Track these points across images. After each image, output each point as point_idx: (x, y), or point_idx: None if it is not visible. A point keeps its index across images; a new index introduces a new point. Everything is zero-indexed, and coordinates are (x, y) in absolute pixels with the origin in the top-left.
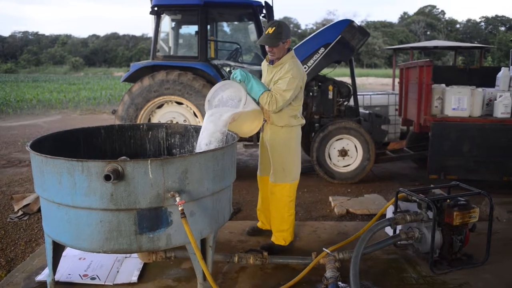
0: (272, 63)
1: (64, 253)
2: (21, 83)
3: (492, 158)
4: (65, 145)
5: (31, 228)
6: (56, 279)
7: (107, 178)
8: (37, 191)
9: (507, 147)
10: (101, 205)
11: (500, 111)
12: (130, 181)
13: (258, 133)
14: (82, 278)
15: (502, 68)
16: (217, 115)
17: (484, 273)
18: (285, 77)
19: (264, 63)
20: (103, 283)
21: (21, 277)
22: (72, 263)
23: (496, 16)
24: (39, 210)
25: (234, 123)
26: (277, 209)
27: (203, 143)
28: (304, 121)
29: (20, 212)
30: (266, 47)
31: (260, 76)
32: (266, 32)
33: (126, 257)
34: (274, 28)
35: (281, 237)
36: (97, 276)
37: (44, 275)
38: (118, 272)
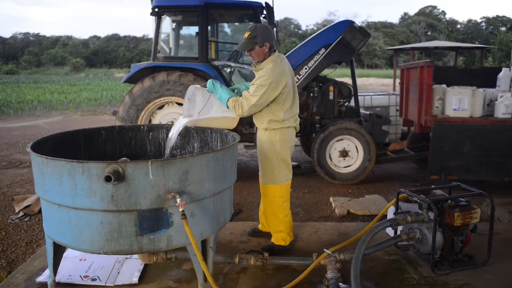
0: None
1: (64, 254)
2: (22, 84)
3: (493, 158)
4: (66, 146)
5: (32, 229)
6: (56, 280)
7: (107, 179)
8: (37, 192)
9: (508, 148)
10: (101, 206)
11: (501, 112)
12: (130, 182)
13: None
14: (82, 279)
15: (503, 68)
16: (177, 122)
17: (485, 274)
18: (255, 83)
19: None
20: (104, 284)
21: (22, 278)
22: (73, 264)
23: (497, 16)
24: (40, 211)
25: (203, 123)
26: (271, 210)
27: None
28: (295, 124)
29: (21, 213)
30: (245, 52)
31: None
32: (244, 37)
33: (126, 258)
34: (249, 32)
35: (280, 238)
36: (98, 277)
37: (45, 276)
38: (118, 273)
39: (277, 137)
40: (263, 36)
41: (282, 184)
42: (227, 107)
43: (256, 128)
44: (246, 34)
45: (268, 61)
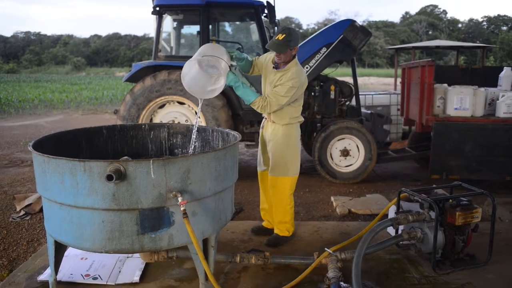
0: (277, 67)
1: (66, 253)
2: (23, 83)
3: (494, 158)
4: (67, 145)
5: (33, 228)
6: (58, 279)
7: (109, 178)
8: (39, 191)
9: (509, 147)
10: (103, 205)
11: (502, 111)
12: (132, 181)
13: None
14: (84, 278)
15: (505, 67)
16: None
17: (487, 273)
18: (286, 84)
19: (269, 62)
20: (105, 283)
21: (23, 277)
22: (74, 263)
23: (498, 15)
24: (41, 210)
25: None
26: (280, 201)
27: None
28: (302, 119)
29: (22, 212)
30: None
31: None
32: (276, 38)
33: (128, 257)
34: (284, 35)
35: (284, 228)
36: (99, 276)
37: (46, 275)
38: (120, 272)
39: (295, 131)
40: (296, 41)
41: (293, 177)
42: (249, 104)
43: (262, 126)
44: (281, 36)
45: (293, 63)
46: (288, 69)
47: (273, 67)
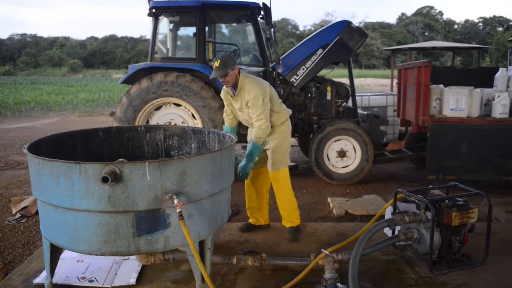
0: (234, 91)
1: (62, 256)
2: (19, 85)
3: (490, 158)
4: (63, 147)
5: (29, 231)
6: (54, 282)
7: (104, 180)
8: (34, 194)
9: (505, 147)
10: (98, 207)
11: (498, 112)
12: (127, 183)
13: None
14: (80, 281)
15: (500, 68)
16: None
17: (483, 274)
18: (252, 103)
19: (226, 95)
20: (101, 286)
21: (19, 280)
22: (70, 266)
23: (494, 16)
24: (37, 212)
25: None
26: (285, 193)
27: None
28: (290, 110)
29: (18, 215)
30: (220, 78)
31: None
32: (214, 67)
33: (124, 259)
34: (219, 60)
35: (295, 217)
36: (95, 278)
37: (41, 278)
38: (116, 274)
39: (289, 125)
40: (232, 62)
41: (287, 166)
42: (261, 146)
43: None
44: (217, 63)
45: (241, 78)
46: (241, 87)
47: (231, 96)
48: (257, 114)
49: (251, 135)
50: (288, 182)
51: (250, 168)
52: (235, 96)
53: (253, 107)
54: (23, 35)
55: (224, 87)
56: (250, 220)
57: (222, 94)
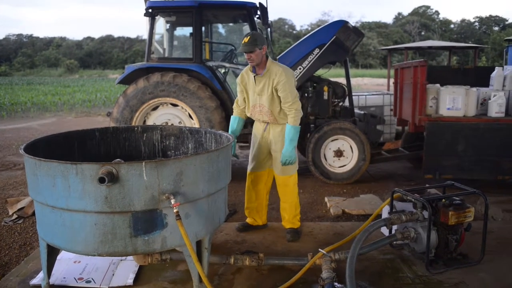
0: (254, 71)
1: (58, 257)
2: (16, 86)
3: (486, 157)
4: (60, 148)
5: (26, 232)
6: (51, 283)
7: (101, 180)
8: (31, 195)
9: (501, 146)
10: (95, 208)
11: (494, 111)
12: (124, 183)
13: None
14: (77, 282)
15: (496, 67)
16: None
17: (480, 272)
18: (282, 85)
19: (244, 78)
20: (99, 286)
21: (16, 281)
22: (67, 266)
23: (490, 16)
24: (33, 213)
25: None
26: (293, 197)
27: None
28: None
29: (15, 216)
30: (245, 55)
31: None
32: (243, 42)
33: (121, 260)
34: (249, 37)
35: (297, 220)
36: (92, 279)
37: (38, 279)
38: (113, 275)
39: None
40: (261, 40)
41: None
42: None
43: (265, 129)
44: (246, 39)
45: (269, 62)
46: (268, 69)
47: (254, 76)
48: (293, 97)
49: (258, 128)
50: (296, 186)
51: (295, 154)
52: (260, 77)
53: (286, 90)
54: (19, 35)
55: (244, 70)
56: (248, 220)
57: (239, 79)
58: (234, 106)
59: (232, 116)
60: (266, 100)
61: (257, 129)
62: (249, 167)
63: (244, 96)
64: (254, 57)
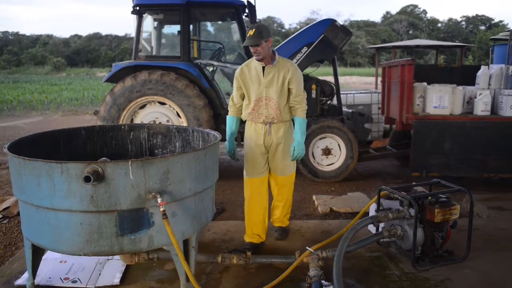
0: (261, 61)
1: (44, 256)
2: (1, 84)
3: (472, 155)
4: (45, 147)
5: (11, 232)
6: (36, 283)
7: (86, 179)
8: (15, 194)
9: (487, 144)
10: (81, 207)
11: (480, 109)
12: (110, 182)
13: (242, 133)
14: (63, 282)
15: (482, 66)
16: None
17: (465, 269)
18: (296, 78)
19: (253, 66)
20: (85, 286)
21: (0, 282)
22: (53, 266)
23: (477, 15)
24: (19, 213)
25: None
26: (289, 196)
27: None
28: None
29: (0, 215)
30: (251, 48)
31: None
32: (248, 35)
33: (108, 259)
34: (254, 29)
35: (287, 219)
36: (79, 279)
37: (23, 279)
38: (100, 274)
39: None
40: (267, 33)
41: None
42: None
43: (269, 132)
44: (251, 32)
45: (277, 56)
46: (278, 61)
47: (263, 67)
48: (303, 90)
49: (257, 132)
50: (293, 185)
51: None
52: (270, 67)
53: (299, 83)
54: (5, 32)
55: (245, 63)
56: (253, 240)
57: (237, 73)
58: (230, 104)
59: (228, 116)
60: (275, 92)
61: (256, 133)
62: (250, 174)
63: (241, 93)
64: (261, 50)
